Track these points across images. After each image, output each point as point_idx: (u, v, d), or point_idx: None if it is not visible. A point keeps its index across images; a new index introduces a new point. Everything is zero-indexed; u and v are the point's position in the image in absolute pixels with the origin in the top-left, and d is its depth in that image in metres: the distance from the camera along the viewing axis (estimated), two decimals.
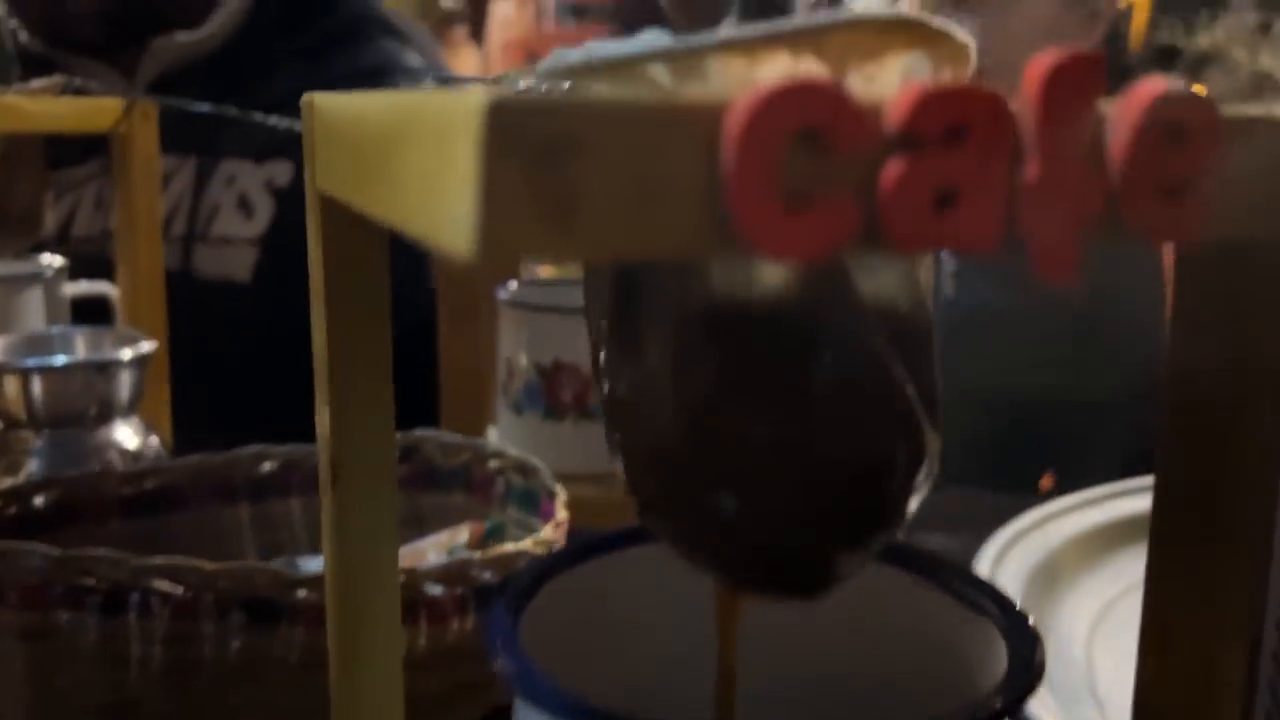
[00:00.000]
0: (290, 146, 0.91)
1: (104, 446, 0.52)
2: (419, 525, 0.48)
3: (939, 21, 0.18)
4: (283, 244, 0.90)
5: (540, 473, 0.46)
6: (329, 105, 0.22)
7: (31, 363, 0.50)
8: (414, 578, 0.38)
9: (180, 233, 0.90)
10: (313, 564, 0.45)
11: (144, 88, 0.91)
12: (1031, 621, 0.21)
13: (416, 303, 0.80)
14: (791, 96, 0.13)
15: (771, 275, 0.16)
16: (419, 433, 0.51)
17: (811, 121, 0.13)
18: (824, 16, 0.17)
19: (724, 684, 0.21)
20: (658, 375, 0.17)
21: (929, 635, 0.23)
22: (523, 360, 0.57)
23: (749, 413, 0.17)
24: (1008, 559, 0.50)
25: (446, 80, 0.96)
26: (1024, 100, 0.15)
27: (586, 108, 0.13)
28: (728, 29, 0.17)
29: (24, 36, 0.89)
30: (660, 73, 0.17)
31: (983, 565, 0.50)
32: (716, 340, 0.17)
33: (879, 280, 0.17)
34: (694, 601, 0.23)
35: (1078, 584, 0.51)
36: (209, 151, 0.91)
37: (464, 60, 3.88)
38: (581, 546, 0.25)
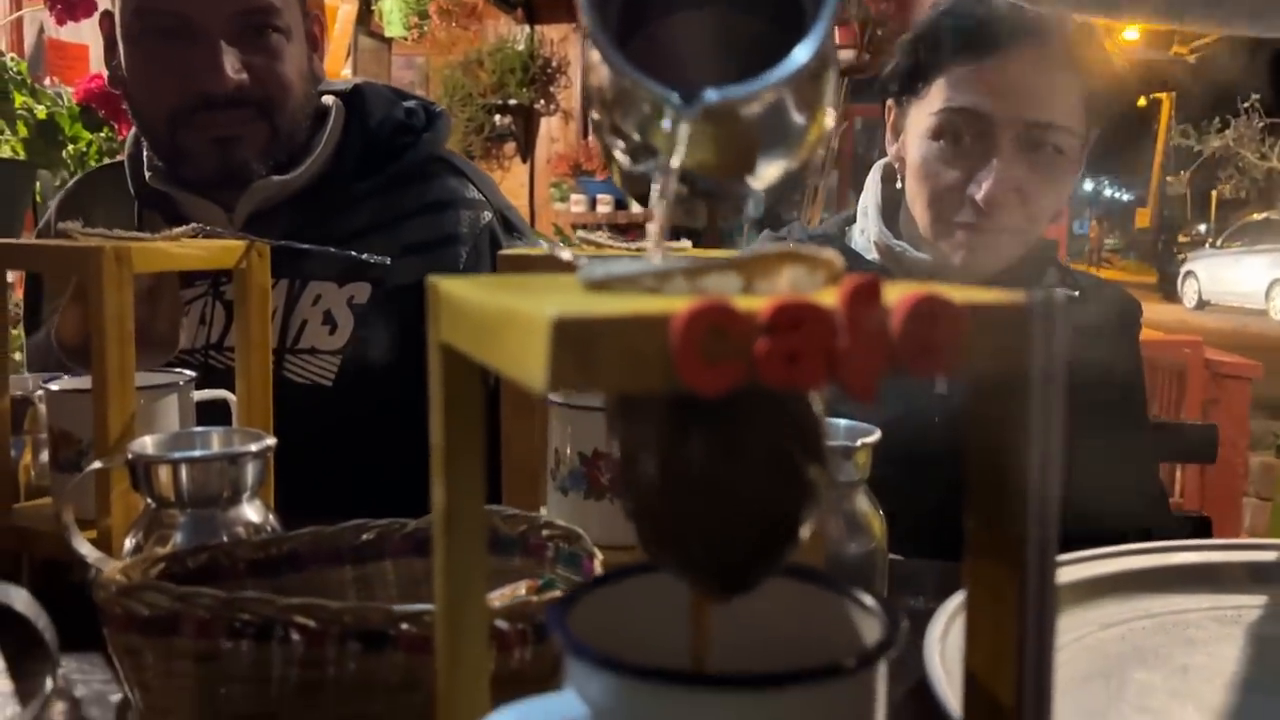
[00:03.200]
0: (367, 269, 1.05)
1: (234, 522, 0.65)
2: (486, 583, 0.60)
3: (811, 249, 0.30)
4: (362, 353, 1.04)
5: (583, 539, 0.59)
6: (447, 288, 0.35)
7: (179, 455, 0.63)
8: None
9: (273, 345, 1.04)
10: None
11: (242, 220, 1.06)
12: (897, 614, 0.32)
13: (487, 401, 0.93)
14: (706, 311, 0.26)
15: (704, 426, 0.28)
16: (486, 508, 0.63)
17: (716, 323, 0.26)
18: (739, 254, 0.29)
19: (697, 657, 0.33)
20: (643, 469, 0.29)
21: (835, 624, 0.34)
22: (568, 450, 0.70)
23: (701, 486, 0.29)
24: (958, 620, 0.61)
25: (505, 217, 1.11)
26: (838, 302, 0.27)
27: (604, 321, 0.25)
28: (687, 259, 0.29)
29: (148, 175, 1.06)
30: (649, 280, 0.30)
31: (938, 624, 0.61)
32: (677, 446, 0.29)
33: (777, 414, 0.29)
34: (678, 606, 0.35)
35: None
36: (298, 275, 1.05)
37: (514, 173, 4.13)
38: (608, 574, 0.37)
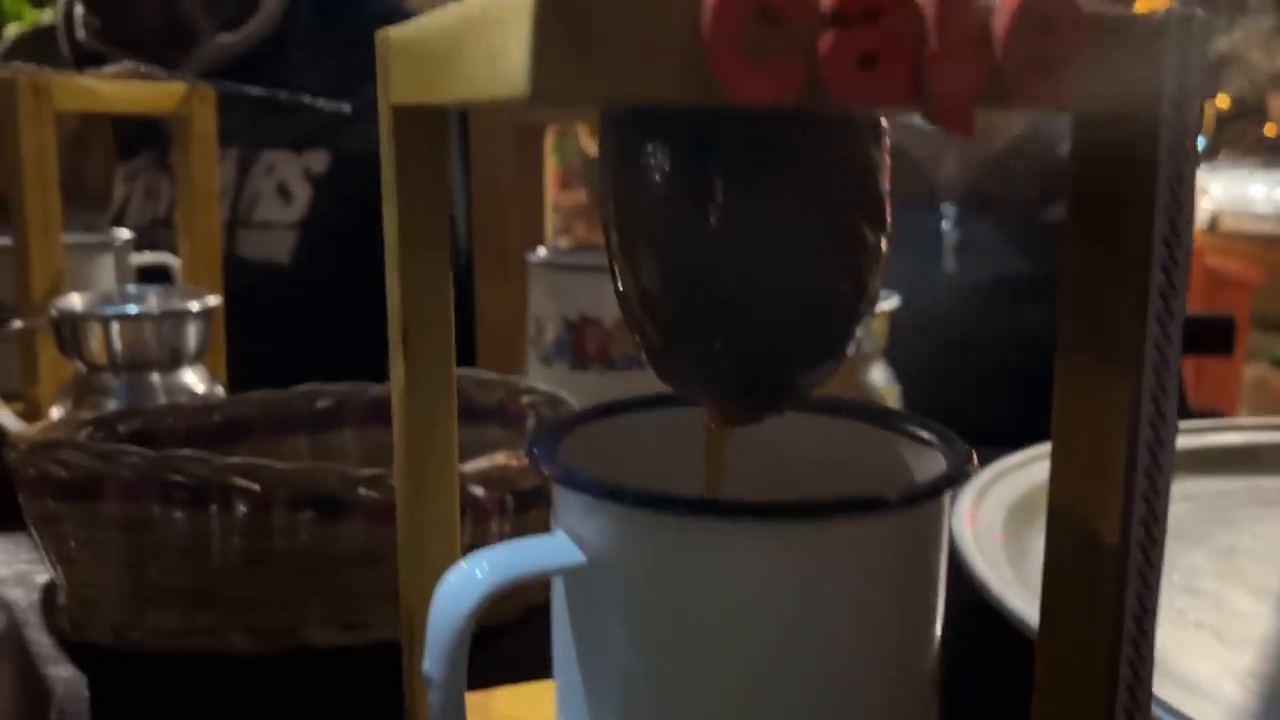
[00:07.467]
0: (325, 136, 0.97)
1: (174, 389, 0.58)
2: (459, 457, 0.54)
3: None
4: (320, 227, 0.97)
5: (569, 404, 0.52)
6: (400, 32, 0.27)
7: (111, 311, 0.56)
8: (460, 479, 0.43)
9: (224, 219, 0.96)
10: None
11: None
12: (960, 443, 0.26)
13: (454, 264, 0.86)
14: None
15: (731, 163, 0.21)
16: (457, 371, 0.56)
17: (768, 4, 0.19)
18: None
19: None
20: (652, 251, 0.22)
21: (885, 463, 0.28)
22: (552, 316, 0.63)
23: (722, 267, 0.22)
24: (991, 491, 0.55)
25: None
26: None
27: None
28: None
29: (82, 34, 0.96)
30: None
31: (968, 495, 0.55)
32: (693, 215, 0.22)
33: (828, 154, 0.22)
34: (689, 447, 0.28)
35: None
36: (251, 143, 0.97)
37: None
38: (606, 405, 0.30)
